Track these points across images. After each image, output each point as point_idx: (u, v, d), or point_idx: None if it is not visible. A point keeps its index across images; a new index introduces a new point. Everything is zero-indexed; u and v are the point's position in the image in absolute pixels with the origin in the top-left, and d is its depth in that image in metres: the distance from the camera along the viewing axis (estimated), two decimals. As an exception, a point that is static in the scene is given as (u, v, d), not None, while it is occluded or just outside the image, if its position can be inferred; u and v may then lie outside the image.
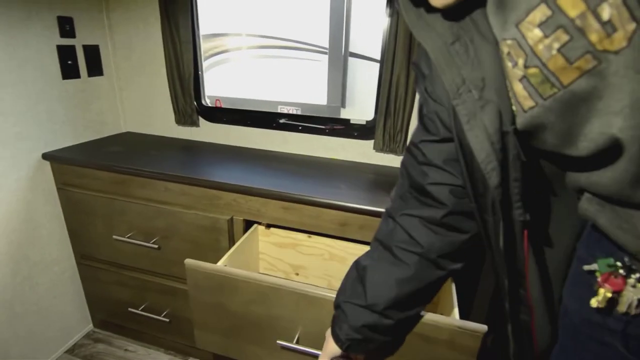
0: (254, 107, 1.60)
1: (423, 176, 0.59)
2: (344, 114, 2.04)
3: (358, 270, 0.67)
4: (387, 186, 1.16)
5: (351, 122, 1.33)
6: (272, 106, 1.60)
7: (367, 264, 0.66)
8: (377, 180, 1.22)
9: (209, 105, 1.50)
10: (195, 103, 1.46)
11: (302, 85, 2.00)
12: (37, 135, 1.26)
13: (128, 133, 1.62)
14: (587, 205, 0.46)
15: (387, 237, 0.65)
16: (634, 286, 0.45)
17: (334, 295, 0.70)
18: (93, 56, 1.43)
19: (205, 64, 1.49)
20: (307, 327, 0.82)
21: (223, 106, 1.51)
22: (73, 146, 1.38)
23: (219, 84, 1.58)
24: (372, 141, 1.31)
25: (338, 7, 1.91)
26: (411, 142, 0.62)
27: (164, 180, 1.16)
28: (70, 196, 1.31)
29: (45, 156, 1.27)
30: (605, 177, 0.41)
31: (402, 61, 1.15)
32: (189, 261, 0.87)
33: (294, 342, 0.82)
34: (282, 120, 1.41)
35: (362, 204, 0.98)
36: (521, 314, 0.57)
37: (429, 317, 0.71)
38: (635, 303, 0.45)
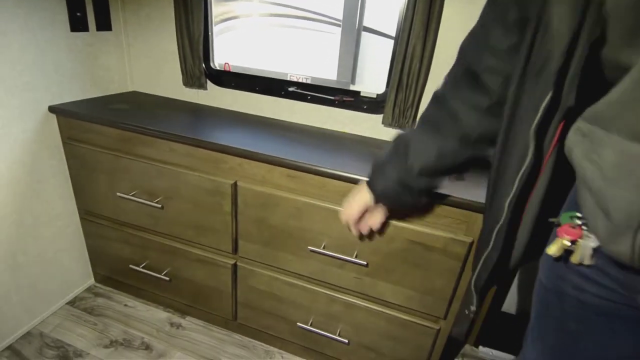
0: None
1: (480, 61, 0.62)
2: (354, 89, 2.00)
3: (401, 140, 0.75)
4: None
5: (361, 94, 1.31)
6: (281, 77, 1.58)
7: (411, 136, 0.74)
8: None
9: (218, 68, 1.47)
10: (204, 65, 1.44)
11: (312, 58, 1.95)
12: (44, 86, 1.24)
13: (135, 92, 1.60)
14: (572, 135, 0.47)
15: (433, 116, 0.71)
16: (589, 237, 0.47)
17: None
18: (102, 9, 1.40)
19: (215, 29, 1.45)
20: (332, 239, 1.07)
21: (232, 71, 1.48)
22: (79, 101, 1.37)
23: (228, 50, 1.55)
24: (382, 115, 1.29)
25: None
26: (478, 23, 0.64)
27: (169, 140, 1.15)
28: (75, 151, 1.30)
29: (52, 109, 1.26)
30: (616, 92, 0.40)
31: (418, 33, 1.11)
32: (241, 183, 1.10)
33: (322, 248, 1.08)
34: (291, 89, 1.38)
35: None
36: (512, 216, 0.59)
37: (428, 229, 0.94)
38: (589, 253, 0.46)
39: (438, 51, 1.17)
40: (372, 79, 2.10)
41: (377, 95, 1.29)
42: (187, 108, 1.47)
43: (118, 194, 1.26)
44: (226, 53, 1.59)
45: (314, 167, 1.02)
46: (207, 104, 1.52)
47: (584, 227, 0.47)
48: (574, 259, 0.48)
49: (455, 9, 1.11)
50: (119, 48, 1.51)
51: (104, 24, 1.42)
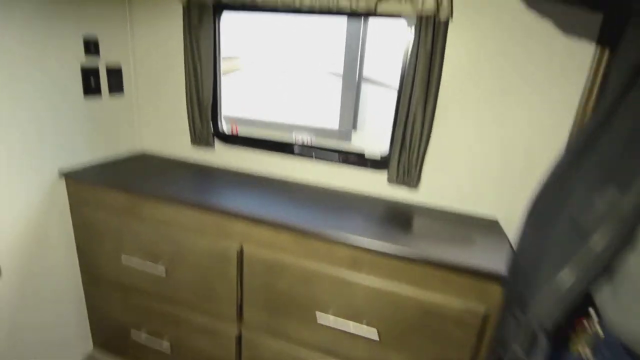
0: (267, 128, 1.61)
1: None
2: (355, 137, 2.04)
3: None
4: (401, 223, 1.14)
5: (365, 156, 1.33)
6: (285, 129, 1.62)
7: None
8: (390, 216, 1.20)
9: (226, 131, 1.51)
10: (212, 128, 1.48)
11: (315, 109, 2.02)
12: (55, 151, 1.27)
13: (144, 152, 1.64)
14: None
15: None
16: None
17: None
18: (115, 75, 1.46)
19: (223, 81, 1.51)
20: (341, 307, 1.04)
21: (239, 130, 1.52)
22: (89, 163, 1.39)
23: (233, 102, 1.60)
24: (386, 173, 1.30)
25: (354, 35, 1.93)
26: None
27: (176, 204, 1.16)
28: (82, 214, 1.31)
29: (62, 173, 1.29)
30: None
31: (419, 97, 1.15)
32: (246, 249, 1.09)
33: (329, 314, 1.04)
34: (296, 149, 1.41)
35: (375, 247, 0.96)
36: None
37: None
38: None
39: (439, 113, 1.20)
40: (373, 124, 2.16)
41: (381, 156, 1.31)
42: (195, 169, 1.49)
43: (123, 257, 1.24)
44: (231, 105, 1.64)
45: (321, 233, 1.01)
46: (215, 162, 1.55)
47: None
48: None
49: (454, 74, 1.16)
50: (130, 110, 1.57)
51: (116, 88, 1.48)
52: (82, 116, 1.35)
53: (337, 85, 2.06)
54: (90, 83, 1.36)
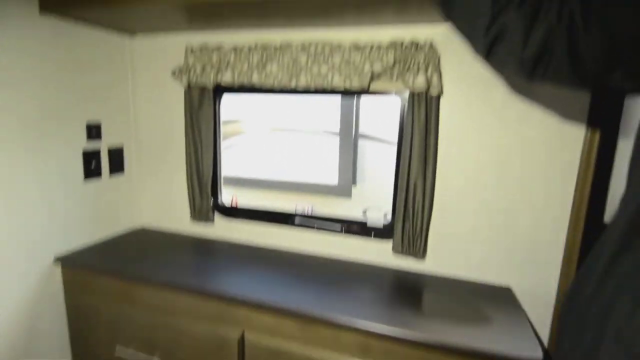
0: (268, 188, 1.62)
1: None
2: (355, 192, 2.03)
3: None
4: (410, 298, 1.08)
5: (368, 226, 1.30)
6: (285, 187, 1.62)
7: None
8: (399, 289, 1.15)
9: (226, 204, 1.51)
10: (212, 201, 1.47)
11: (314, 166, 2.04)
12: (52, 236, 1.25)
13: (143, 228, 1.62)
14: None
15: None
16: None
17: None
18: (116, 155, 1.49)
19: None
20: None
21: (239, 201, 1.51)
22: (86, 245, 1.36)
23: (231, 164, 1.62)
24: (391, 242, 1.27)
25: (349, 104, 2.01)
26: None
27: (173, 289, 1.11)
28: (76, 301, 1.26)
29: (57, 258, 1.25)
30: None
31: (418, 166, 1.16)
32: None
33: None
34: (296, 220, 1.39)
35: (386, 331, 0.90)
36: None
37: None
38: None
39: (440, 180, 1.19)
40: (372, 177, 2.16)
41: (384, 225, 1.29)
42: (194, 244, 1.46)
43: (117, 349, 1.17)
44: (229, 167, 1.64)
45: (327, 317, 0.95)
46: (215, 236, 1.52)
47: None
48: None
49: (451, 142, 1.17)
50: (130, 188, 1.57)
51: (116, 168, 1.49)
52: (81, 199, 1.35)
53: (335, 142, 2.11)
54: (90, 166, 1.37)
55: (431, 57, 1.09)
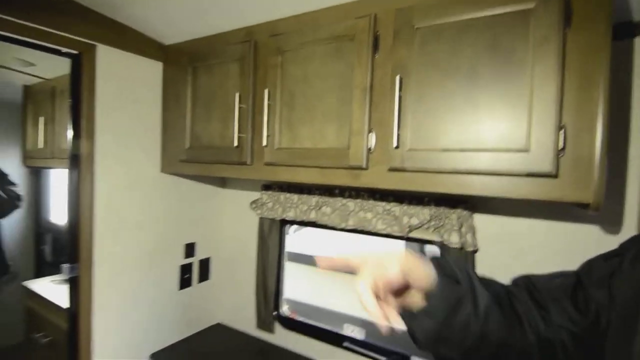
0: (321, 316, 1.76)
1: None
2: None
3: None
4: None
5: (412, 363, 1.36)
6: (338, 318, 1.73)
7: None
8: None
9: (286, 315, 1.71)
10: (274, 312, 1.69)
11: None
12: (150, 336, 1.58)
13: (219, 324, 1.90)
14: None
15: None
16: None
17: None
18: (204, 266, 1.84)
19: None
20: None
21: (297, 317, 1.70)
22: (174, 343, 1.67)
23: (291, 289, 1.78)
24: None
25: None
26: None
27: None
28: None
29: (153, 355, 1.57)
30: None
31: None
32: None
33: None
34: (345, 343, 1.51)
35: None
36: None
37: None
38: None
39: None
40: None
41: (426, 365, 1.33)
42: (257, 348, 1.67)
43: None
44: (289, 290, 1.81)
45: None
46: (276, 342, 1.71)
47: None
48: None
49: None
50: (213, 293, 1.89)
51: (203, 277, 1.83)
52: (175, 305, 1.69)
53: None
54: (185, 279, 1.72)
55: (465, 217, 1.19)
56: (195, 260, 1.78)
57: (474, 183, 0.89)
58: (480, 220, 1.21)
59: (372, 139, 1.02)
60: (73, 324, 1.35)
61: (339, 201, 1.45)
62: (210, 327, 1.87)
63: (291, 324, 1.67)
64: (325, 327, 1.59)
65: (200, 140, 1.42)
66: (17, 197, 1.95)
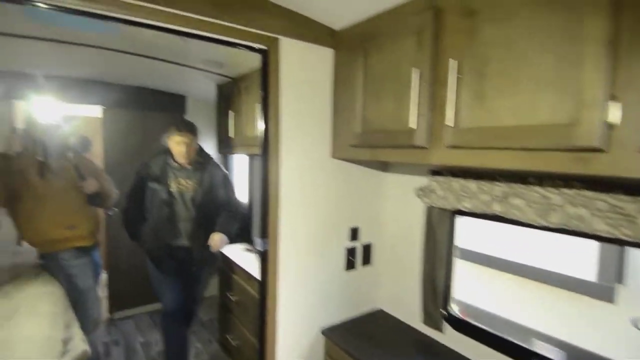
0: (496, 324, 1.51)
1: None
2: (621, 297, 1.57)
3: None
4: None
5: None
6: (525, 333, 1.45)
7: None
8: None
9: (459, 316, 1.55)
10: (442, 311, 1.55)
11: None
12: (319, 312, 1.68)
13: (381, 310, 1.88)
14: None
15: None
16: None
17: None
18: (367, 250, 1.84)
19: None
20: None
21: (467, 318, 1.51)
22: (340, 323, 1.74)
23: (463, 291, 1.61)
24: None
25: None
26: None
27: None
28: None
29: (323, 331, 1.67)
30: None
31: None
32: None
33: None
34: (536, 361, 1.25)
35: None
36: None
37: None
38: None
39: None
40: None
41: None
42: (424, 344, 1.57)
43: None
44: (461, 292, 1.65)
45: None
46: (442, 341, 1.58)
47: None
48: None
49: None
50: (374, 277, 1.88)
51: (366, 260, 1.84)
52: (341, 285, 1.75)
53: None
54: (350, 261, 1.76)
55: None
56: (358, 245, 1.79)
57: None
58: None
59: (617, 111, 0.75)
60: (263, 290, 1.53)
61: (535, 191, 1.19)
62: (373, 312, 1.87)
63: (464, 327, 1.50)
64: (512, 339, 1.35)
65: (372, 124, 1.38)
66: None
